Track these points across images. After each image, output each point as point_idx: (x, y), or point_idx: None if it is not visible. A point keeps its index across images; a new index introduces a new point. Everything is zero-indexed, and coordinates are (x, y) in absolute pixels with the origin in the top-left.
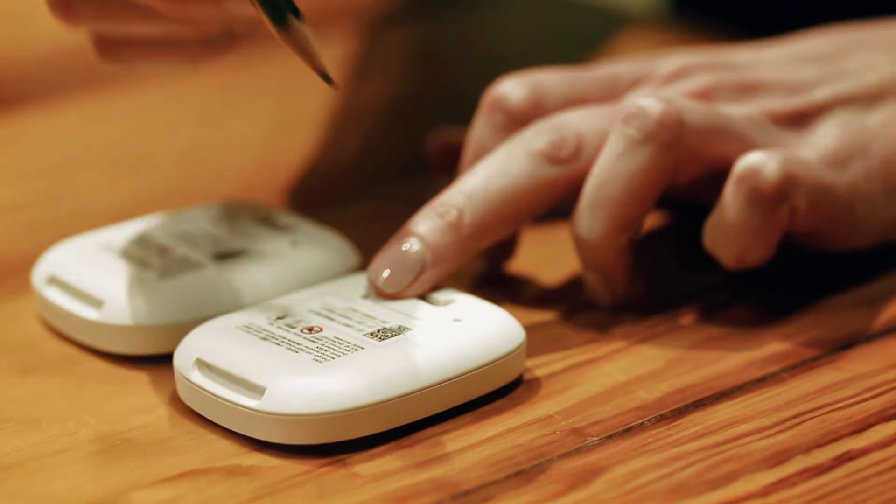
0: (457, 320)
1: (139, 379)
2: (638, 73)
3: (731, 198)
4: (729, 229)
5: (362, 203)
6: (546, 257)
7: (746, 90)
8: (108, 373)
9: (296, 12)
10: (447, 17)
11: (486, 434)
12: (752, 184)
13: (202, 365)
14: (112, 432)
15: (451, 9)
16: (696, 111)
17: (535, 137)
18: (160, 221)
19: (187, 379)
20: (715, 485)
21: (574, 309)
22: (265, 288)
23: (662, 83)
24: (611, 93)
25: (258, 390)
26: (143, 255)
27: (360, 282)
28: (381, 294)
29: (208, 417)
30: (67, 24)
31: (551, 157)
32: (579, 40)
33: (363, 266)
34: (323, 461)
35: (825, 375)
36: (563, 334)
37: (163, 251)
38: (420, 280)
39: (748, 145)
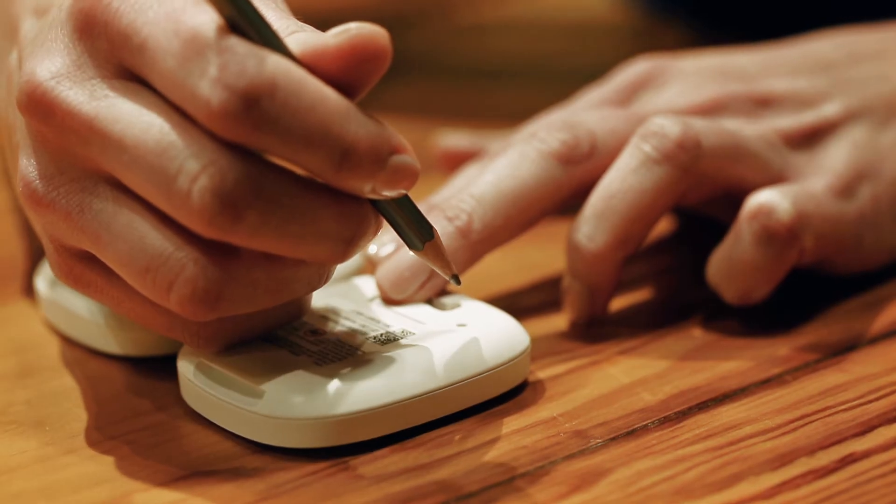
0: (462, 325)
1: (143, 380)
2: (649, 76)
3: (741, 235)
4: (736, 266)
5: None
6: (549, 259)
7: (758, 103)
8: (111, 374)
9: (430, 232)
10: (443, 22)
11: (490, 436)
12: (765, 222)
13: (204, 367)
14: (116, 434)
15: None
16: (713, 134)
17: (549, 137)
18: None
19: (190, 380)
20: (719, 487)
21: None
22: None
23: (674, 89)
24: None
25: (258, 393)
26: None
27: (365, 284)
28: (389, 299)
29: (211, 419)
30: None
31: (565, 157)
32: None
33: (367, 269)
34: (327, 463)
35: (829, 377)
36: (567, 337)
37: None
38: (428, 285)
39: (762, 168)
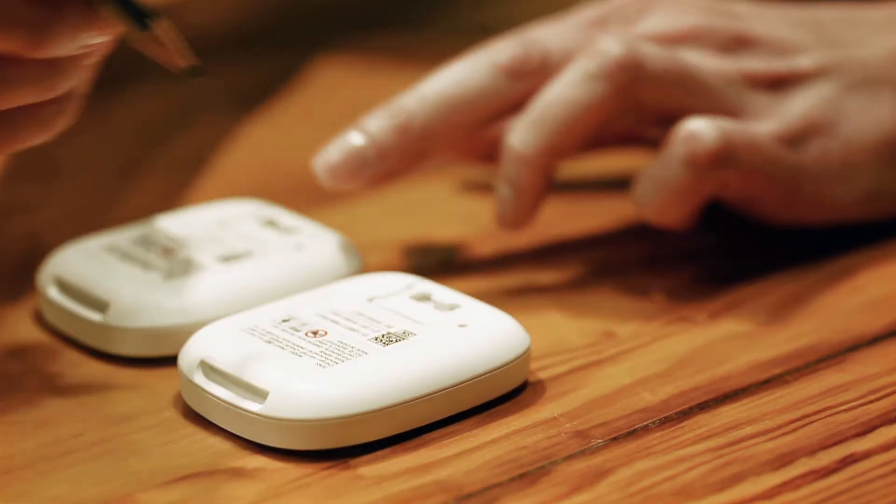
0: (462, 325)
1: (143, 381)
2: (642, 1)
3: (667, 156)
4: (657, 183)
5: (368, 204)
6: (549, 259)
7: (735, 41)
8: (112, 375)
9: (147, 21)
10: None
11: (491, 436)
12: (690, 147)
13: (206, 367)
14: (116, 434)
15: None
16: (660, 61)
17: (502, 50)
18: (164, 223)
19: (191, 381)
20: (720, 487)
21: (578, 311)
22: (269, 290)
23: (658, 15)
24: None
25: (261, 394)
26: (148, 258)
27: (365, 284)
28: (320, 181)
29: (212, 420)
30: None
31: (514, 72)
32: None
33: (368, 268)
34: (327, 463)
35: (829, 378)
36: (567, 337)
37: (167, 253)
38: (359, 175)
39: (713, 101)
